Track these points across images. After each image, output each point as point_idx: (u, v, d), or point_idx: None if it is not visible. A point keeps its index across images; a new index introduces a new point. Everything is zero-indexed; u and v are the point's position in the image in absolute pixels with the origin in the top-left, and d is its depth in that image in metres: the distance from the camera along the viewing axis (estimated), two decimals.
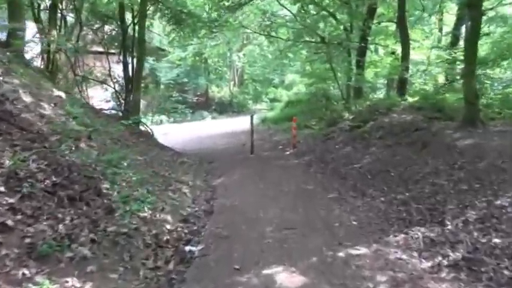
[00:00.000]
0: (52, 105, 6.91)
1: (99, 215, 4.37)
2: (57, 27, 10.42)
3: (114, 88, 11.12)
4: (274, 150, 11.97)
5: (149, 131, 10.81)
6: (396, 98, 13.81)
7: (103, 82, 11.66)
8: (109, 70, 11.79)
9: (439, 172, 6.07)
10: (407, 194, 5.81)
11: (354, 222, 5.13)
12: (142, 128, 10.97)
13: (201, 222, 5.45)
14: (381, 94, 20.55)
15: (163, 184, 6.36)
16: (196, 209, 5.99)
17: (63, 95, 8.20)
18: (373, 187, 6.59)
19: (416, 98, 13.72)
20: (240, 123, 21.32)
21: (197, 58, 24.03)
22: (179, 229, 5.12)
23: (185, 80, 24.83)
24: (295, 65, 30.19)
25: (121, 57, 11.90)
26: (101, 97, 13.51)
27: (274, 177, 8.03)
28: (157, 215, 5.16)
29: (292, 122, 15.20)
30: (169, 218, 5.28)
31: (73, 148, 5.60)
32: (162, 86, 24.94)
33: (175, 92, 24.29)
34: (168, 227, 5.05)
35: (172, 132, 17.20)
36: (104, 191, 4.94)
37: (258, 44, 25.29)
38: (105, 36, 12.25)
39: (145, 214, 5.02)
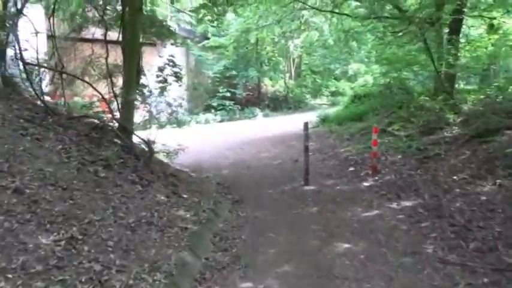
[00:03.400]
0: None
1: None
2: None
3: (92, 88, 6.84)
4: (342, 175, 7.18)
5: (146, 145, 6.46)
6: None
7: (78, 78, 7.41)
8: (106, 60, 7.62)
9: None
10: None
11: None
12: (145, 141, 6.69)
13: None
14: (467, 85, 15.08)
15: None
16: None
17: None
18: None
19: None
20: (295, 123, 16.58)
21: (245, 46, 19.46)
22: None
23: (234, 72, 20.47)
24: (360, 52, 24.75)
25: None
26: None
27: (354, 279, 3.36)
28: None
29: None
30: None
31: None
32: (209, 80, 20.86)
33: (223, 87, 20.08)
34: None
35: (203, 138, 13.01)
36: None
37: (317, 27, 20.23)
38: (104, 14, 8.06)
39: None
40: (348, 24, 14.70)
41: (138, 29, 6.71)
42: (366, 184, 6.38)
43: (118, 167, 5.01)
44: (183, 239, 4.00)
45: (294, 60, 24.21)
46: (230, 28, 17.38)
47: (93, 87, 6.68)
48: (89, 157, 4.81)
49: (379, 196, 5.66)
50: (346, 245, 4.03)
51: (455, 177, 5.64)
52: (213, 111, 19.58)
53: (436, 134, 8.12)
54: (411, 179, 6.22)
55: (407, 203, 5.16)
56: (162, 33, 8.88)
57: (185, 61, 19.66)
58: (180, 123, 7.62)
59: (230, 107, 19.83)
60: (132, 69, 6.60)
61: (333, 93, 27.41)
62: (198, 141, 13.06)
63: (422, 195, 5.34)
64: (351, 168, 7.49)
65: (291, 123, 16.82)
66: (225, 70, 20.40)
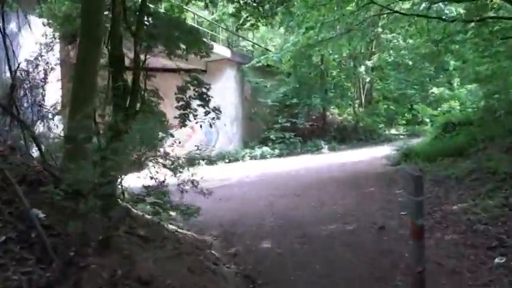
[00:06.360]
0: None
1: None
2: None
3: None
4: (485, 277, 3.49)
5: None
6: None
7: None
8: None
9: None
10: None
11: None
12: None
13: None
14: None
15: None
16: None
17: None
18: None
19: None
20: (369, 159, 12.88)
21: (308, 68, 16.27)
22: None
23: (295, 100, 17.36)
24: (441, 77, 20.45)
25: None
26: None
27: None
28: None
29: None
30: None
31: None
32: (267, 110, 17.93)
33: (282, 117, 17.00)
34: None
35: (253, 179, 9.87)
36: None
37: (392, 45, 16.49)
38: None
39: None
40: (439, 33, 10.92)
41: (97, 29, 3.78)
42: None
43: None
44: None
45: (364, 85, 20.49)
46: (287, 44, 14.36)
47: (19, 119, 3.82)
48: None
49: None
50: None
51: None
52: (270, 144, 16.46)
53: None
54: None
55: None
56: (182, 39, 5.91)
57: (239, 89, 16.97)
58: (192, 163, 4.44)
59: (291, 139, 16.59)
60: (85, 77, 3.66)
61: (409, 122, 23.07)
62: (244, 182, 9.96)
63: None
64: (499, 259, 3.72)
65: (363, 158, 13.09)
66: (284, 98, 17.37)
